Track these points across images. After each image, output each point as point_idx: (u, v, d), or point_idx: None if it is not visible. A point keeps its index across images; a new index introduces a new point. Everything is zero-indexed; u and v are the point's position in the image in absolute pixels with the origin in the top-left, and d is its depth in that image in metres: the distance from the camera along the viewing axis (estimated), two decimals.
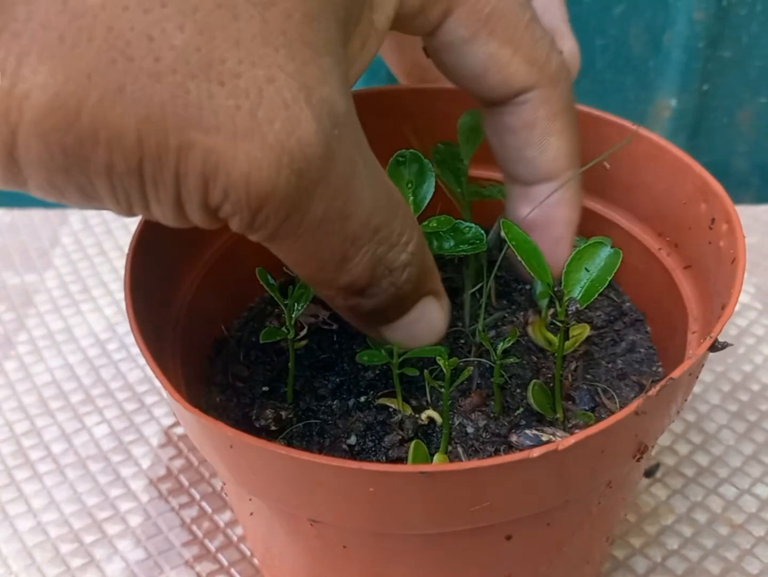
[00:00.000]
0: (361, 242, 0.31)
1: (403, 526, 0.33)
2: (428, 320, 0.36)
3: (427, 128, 0.47)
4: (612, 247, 0.44)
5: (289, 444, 0.40)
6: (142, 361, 0.63)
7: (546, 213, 0.39)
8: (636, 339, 0.45)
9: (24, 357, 0.64)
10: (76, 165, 0.26)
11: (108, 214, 0.77)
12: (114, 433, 0.59)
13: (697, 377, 0.36)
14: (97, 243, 0.74)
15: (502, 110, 0.37)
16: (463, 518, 0.32)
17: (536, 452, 0.30)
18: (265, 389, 0.43)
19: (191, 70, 0.25)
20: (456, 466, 0.30)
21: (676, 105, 0.70)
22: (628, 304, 0.46)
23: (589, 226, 0.47)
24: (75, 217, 0.77)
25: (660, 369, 0.43)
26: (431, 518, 0.32)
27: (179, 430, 0.59)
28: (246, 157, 0.26)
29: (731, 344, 0.35)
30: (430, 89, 0.47)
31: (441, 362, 0.36)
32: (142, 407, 0.61)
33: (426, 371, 0.38)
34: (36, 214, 0.77)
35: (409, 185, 0.40)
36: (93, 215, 0.77)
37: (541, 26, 0.36)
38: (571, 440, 0.30)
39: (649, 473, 0.55)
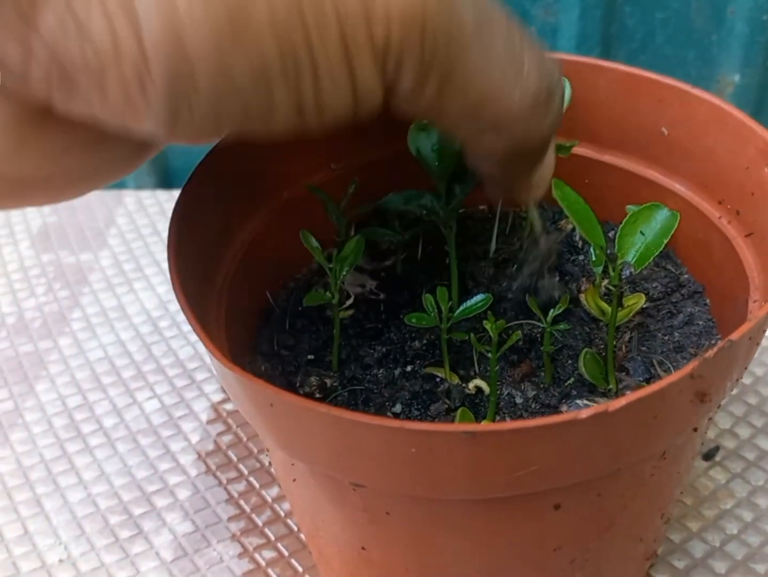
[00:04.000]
0: (520, 49, 0.30)
1: (446, 490, 0.32)
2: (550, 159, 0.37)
3: None
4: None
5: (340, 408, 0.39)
6: (193, 338, 0.64)
7: None
8: (694, 311, 0.43)
9: (78, 333, 0.65)
10: (242, 27, 0.24)
11: (162, 195, 0.78)
12: (164, 408, 0.59)
13: (759, 344, 0.35)
14: (150, 223, 0.75)
15: None
16: (508, 483, 0.31)
17: (584, 414, 0.28)
18: (310, 357, 0.43)
19: None
20: (500, 426, 0.29)
21: (740, 80, 0.68)
22: (686, 276, 0.45)
23: (646, 196, 0.45)
24: (130, 198, 0.78)
25: (719, 341, 0.42)
26: (475, 482, 0.31)
27: (228, 406, 0.59)
28: None
29: None
30: None
31: (488, 326, 0.35)
32: (192, 383, 0.61)
33: (472, 335, 0.37)
34: (92, 196, 0.77)
35: (434, 147, 0.39)
36: (147, 196, 0.78)
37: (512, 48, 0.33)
38: (622, 401, 0.29)
39: (708, 456, 0.53)
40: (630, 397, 0.29)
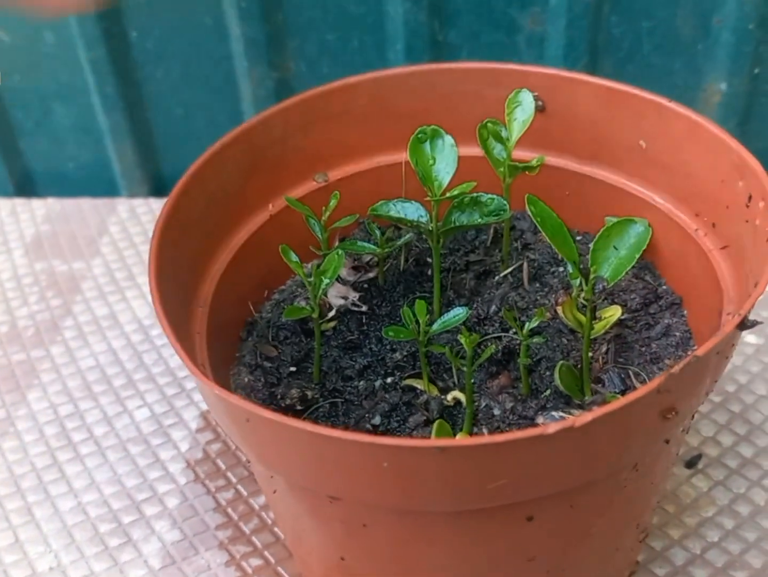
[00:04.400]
0: None
1: (420, 503, 0.32)
2: None
3: (458, 107, 0.46)
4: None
5: (314, 423, 0.40)
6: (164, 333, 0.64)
7: None
8: (671, 322, 0.43)
9: (70, 342, 0.66)
10: None
11: (154, 203, 0.78)
12: (154, 416, 0.60)
13: (728, 358, 0.35)
14: (143, 231, 0.75)
15: None
16: (480, 495, 0.32)
17: (552, 428, 0.29)
18: (292, 369, 0.43)
19: None
20: (471, 441, 0.30)
21: (726, 89, 0.68)
22: (664, 287, 0.45)
23: (625, 208, 0.46)
24: (123, 206, 0.78)
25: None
26: (448, 495, 0.32)
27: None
28: None
29: (761, 322, 0.34)
30: (459, 69, 0.47)
31: (463, 340, 0.36)
32: (182, 391, 0.62)
33: (447, 348, 0.38)
34: (85, 204, 0.79)
35: (431, 162, 0.39)
36: (140, 204, 0.78)
37: None
38: (588, 416, 0.29)
39: (691, 464, 0.54)
40: (597, 412, 0.30)
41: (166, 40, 0.72)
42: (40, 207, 0.79)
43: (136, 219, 0.77)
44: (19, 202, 0.80)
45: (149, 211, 0.78)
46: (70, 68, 0.73)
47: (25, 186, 0.82)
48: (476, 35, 0.68)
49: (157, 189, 0.81)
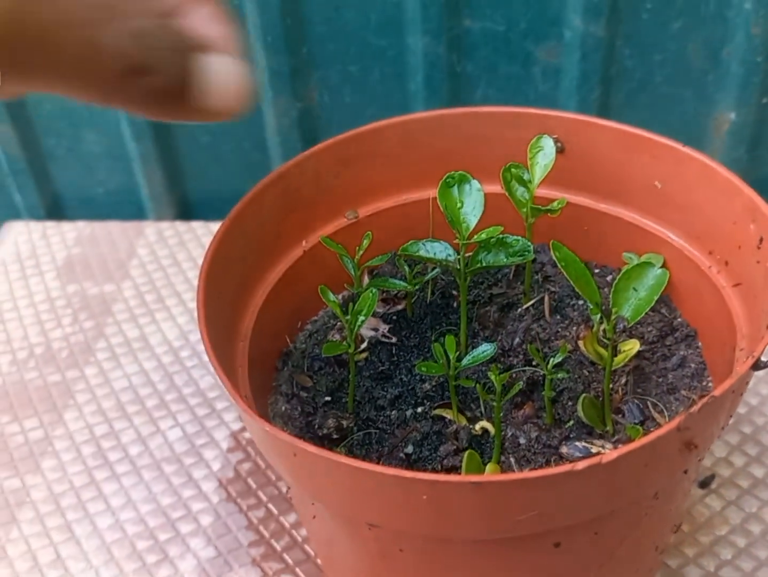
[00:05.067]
0: (99, 22, 0.32)
1: (455, 532, 0.35)
2: (219, 69, 0.34)
3: (481, 147, 0.49)
4: (663, 265, 0.45)
5: (350, 452, 0.43)
6: (212, 368, 0.67)
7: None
8: (687, 354, 0.46)
9: (103, 363, 0.68)
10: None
11: (181, 227, 0.81)
12: (186, 436, 0.62)
13: (742, 394, 0.37)
14: (170, 255, 0.78)
15: None
16: (512, 525, 0.34)
17: (580, 465, 0.31)
18: (327, 398, 0.46)
19: None
20: (504, 477, 0.32)
21: (735, 118, 0.70)
22: (679, 320, 0.48)
23: (641, 244, 0.49)
24: (150, 229, 0.81)
25: (710, 383, 0.44)
26: (482, 525, 0.34)
27: (247, 434, 0.62)
28: None
29: None
30: (483, 113, 0.49)
31: (492, 377, 0.38)
32: (213, 411, 0.64)
33: (478, 385, 0.40)
34: (114, 227, 0.81)
35: (459, 205, 0.42)
36: (167, 227, 0.81)
37: None
38: (614, 454, 0.32)
39: (704, 484, 0.56)
40: (622, 450, 0.32)
41: None
42: (70, 230, 0.82)
43: (163, 242, 0.79)
44: (50, 225, 0.82)
45: (176, 234, 0.80)
46: None
47: (56, 210, 0.85)
48: (494, 67, 0.70)
49: (184, 213, 0.84)
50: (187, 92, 0.35)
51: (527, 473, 0.32)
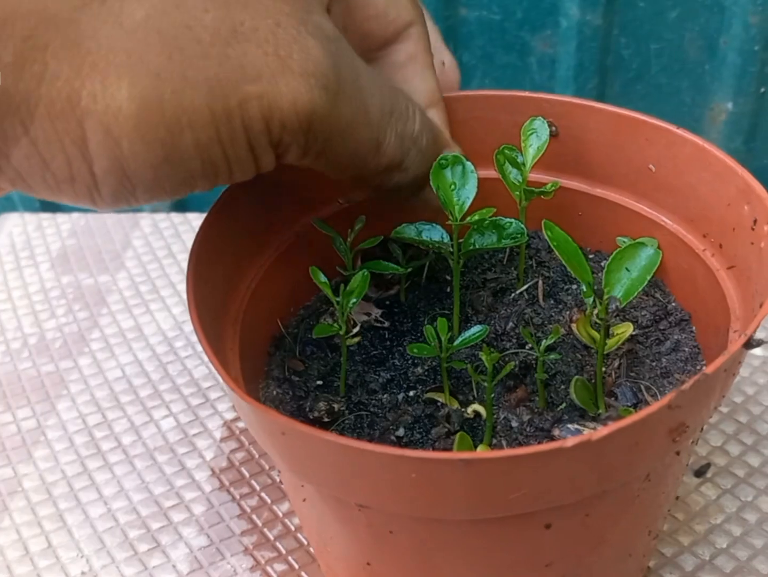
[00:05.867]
0: (384, 125, 0.38)
1: (445, 512, 0.35)
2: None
3: (476, 131, 0.49)
4: (658, 248, 0.45)
5: (341, 435, 0.42)
6: (206, 358, 0.66)
7: None
8: (681, 338, 0.45)
9: (97, 354, 0.68)
10: (173, 151, 0.32)
11: (176, 218, 0.81)
12: (180, 426, 0.62)
13: (735, 374, 0.37)
14: (165, 246, 0.78)
15: (393, 49, 0.43)
16: (501, 505, 0.34)
17: (570, 442, 0.31)
18: (319, 382, 0.45)
19: (224, 38, 0.31)
20: (493, 454, 0.32)
21: (733, 108, 0.70)
22: (673, 304, 0.47)
23: (635, 228, 0.48)
24: (145, 221, 0.81)
25: (704, 367, 0.44)
26: (471, 505, 0.34)
27: (241, 424, 0.62)
28: (287, 89, 0.33)
29: (766, 342, 0.36)
30: (478, 96, 0.49)
31: (483, 357, 0.38)
32: (207, 401, 0.64)
33: (469, 365, 0.40)
34: (109, 219, 0.81)
35: (452, 187, 0.42)
36: (162, 219, 0.81)
37: None
38: (604, 431, 0.31)
39: (700, 473, 0.56)
40: (611, 427, 0.32)
41: None
42: (65, 222, 0.81)
43: (158, 234, 0.79)
44: (45, 217, 0.82)
45: (171, 225, 0.80)
46: None
47: (51, 202, 0.85)
48: (490, 57, 0.70)
49: (179, 204, 0.84)
50: (420, 190, 0.43)
51: (516, 450, 0.31)
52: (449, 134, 0.46)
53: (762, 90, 0.69)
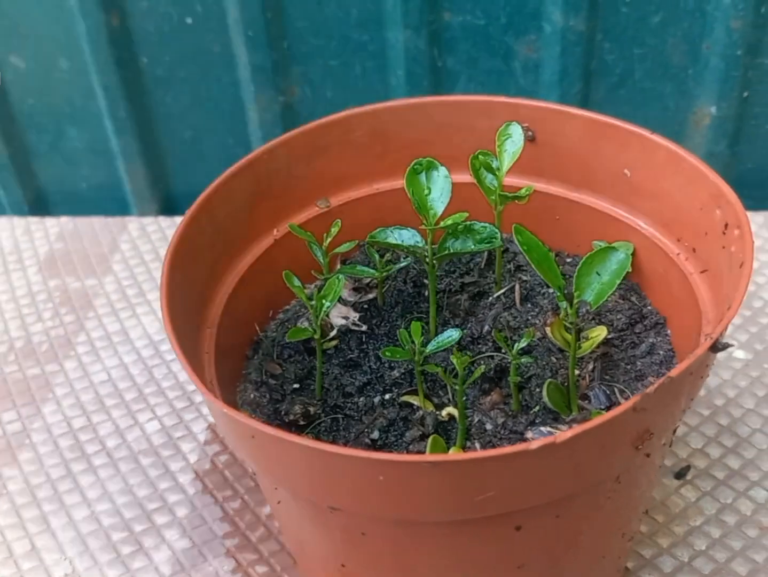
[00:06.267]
0: None
1: (414, 513, 0.35)
2: None
3: (453, 137, 0.49)
4: (633, 253, 0.46)
5: (317, 438, 0.43)
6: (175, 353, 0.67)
7: None
8: (656, 341, 0.46)
9: (82, 357, 0.68)
10: None
11: (164, 222, 0.81)
12: (164, 429, 0.62)
13: (703, 377, 0.37)
14: (153, 249, 0.78)
15: None
16: (470, 506, 0.34)
17: (535, 444, 0.31)
18: (296, 386, 0.46)
19: None
20: (460, 456, 0.32)
21: (716, 112, 0.70)
22: (649, 307, 0.48)
23: (611, 232, 0.49)
24: (133, 225, 0.81)
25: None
26: (440, 506, 0.34)
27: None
28: None
29: (732, 345, 0.36)
30: (454, 101, 0.49)
31: (455, 360, 0.38)
32: (191, 405, 0.64)
33: (441, 369, 0.40)
34: (97, 222, 0.81)
35: (426, 192, 0.42)
36: (150, 222, 0.81)
37: None
38: (569, 433, 0.32)
39: (680, 475, 0.56)
40: (576, 429, 0.32)
41: (175, 66, 0.74)
42: (53, 225, 0.82)
43: (146, 237, 0.80)
44: (33, 221, 0.82)
45: (159, 229, 0.80)
46: (84, 93, 0.76)
47: (39, 205, 0.85)
48: (474, 62, 0.70)
49: (167, 208, 0.84)
50: None
51: (483, 453, 0.31)
52: None
53: (745, 94, 0.70)
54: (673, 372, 0.33)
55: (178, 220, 0.80)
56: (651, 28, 0.68)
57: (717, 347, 0.35)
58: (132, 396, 0.65)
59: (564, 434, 0.32)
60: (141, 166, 0.80)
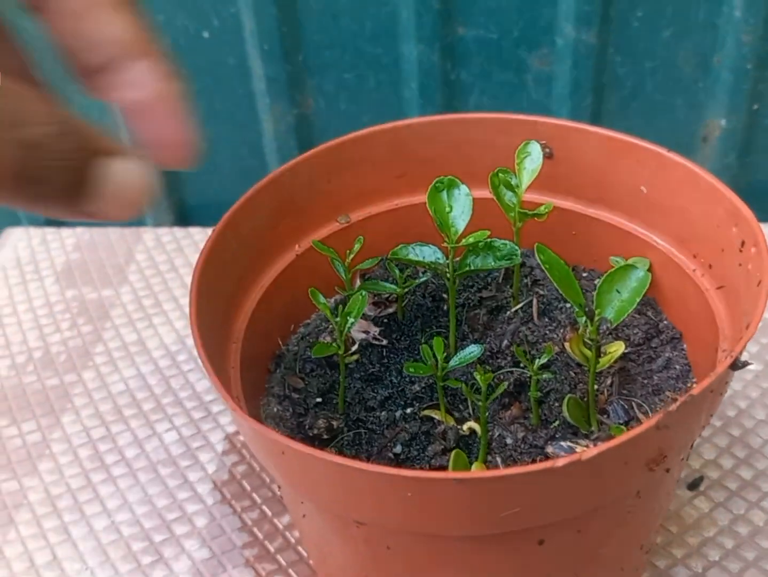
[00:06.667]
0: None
1: (439, 528, 0.36)
2: (118, 177, 0.32)
3: (471, 153, 0.50)
4: (649, 269, 0.46)
5: (340, 452, 0.43)
6: (204, 369, 0.67)
7: (144, 92, 0.35)
8: (672, 356, 0.46)
9: (101, 367, 0.69)
10: None
11: (179, 232, 0.82)
12: (182, 439, 0.63)
13: (722, 394, 0.38)
14: (168, 260, 0.79)
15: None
16: (495, 522, 0.35)
17: (560, 462, 0.32)
18: (318, 400, 0.46)
19: None
20: (486, 474, 0.33)
21: (726, 125, 0.71)
22: (665, 322, 0.48)
23: (628, 248, 0.49)
24: (148, 235, 0.82)
25: (694, 385, 0.45)
26: (465, 522, 0.35)
27: (242, 437, 0.63)
28: None
29: (751, 363, 0.37)
30: (472, 119, 0.50)
31: (478, 377, 0.39)
32: (209, 415, 0.65)
33: (464, 385, 0.41)
34: (113, 233, 0.82)
35: (448, 210, 0.43)
36: (165, 233, 0.82)
37: None
38: (594, 451, 0.32)
39: (693, 486, 0.57)
40: (601, 447, 0.33)
41: (191, 79, 0.75)
42: (69, 236, 0.82)
43: (161, 248, 0.80)
44: (50, 231, 0.83)
45: (174, 240, 0.81)
46: (100, 105, 0.77)
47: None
48: (487, 75, 0.71)
49: (182, 219, 0.85)
50: (78, 199, 0.33)
51: (508, 470, 0.32)
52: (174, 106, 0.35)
53: (755, 107, 0.71)
54: (695, 390, 0.34)
55: (193, 230, 0.81)
56: (662, 42, 0.69)
57: (737, 365, 0.36)
58: (150, 406, 0.66)
59: (589, 451, 0.32)
60: (156, 177, 0.81)
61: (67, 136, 0.31)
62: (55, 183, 0.32)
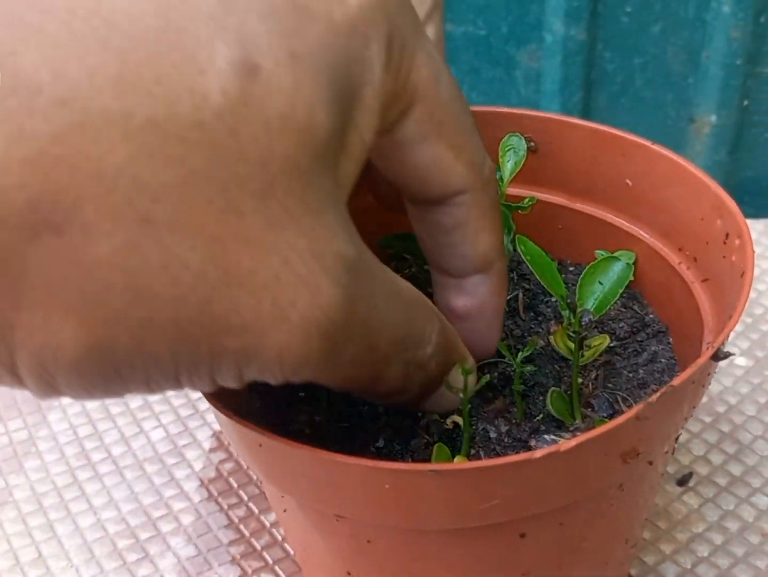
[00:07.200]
0: (389, 357, 0.32)
1: (419, 522, 0.35)
2: (459, 386, 0.38)
3: None
4: (635, 262, 0.46)
5: (322, 446, 0.43)
6: None
7: (479, 302, 0.40)
8: (658, 350, 0.46)
9: None
10: (115, 384, 0.27)
11: None
12: (169, 437, 0.63)
13: (705, 386, 0.38)
14: None
15: (436, 210, 0.37)
16: (475, 515, 0.34)
17: (538, 453, 0.32)
18: (301, 394, 0.46)
19: (211, 283, 0.25)
20: (463, 465, 0.32)
21: (716, 121, 0.71)
22: (651, 316, 0.48)
23: (613, 241, 0.49)
24: None
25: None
26: (445, 515, 0.34)
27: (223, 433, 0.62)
28: (276, 344, 0.27)
29: (733, 354, 0.37)
30: None
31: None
32: (196, 412, 0.64)
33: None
34: None
35: None
36: None
37: (477, 133, 0.37)
38: (572, 442, 0.32)
39: (682, 482, 0.56)
40: (580, 438, 0.32)
41: None
42: None
43: None
44: None
45: None
46: None
47: None
48: (476, 71, 0.71)
49: None
50: (420, 402, 0.38)
51: (486, 461, 0.32)
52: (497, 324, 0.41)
53: (745, 103, 0.70)
54: (676, 381, 0.34)
55: None
56: (651, 38, 0.69)
57: (718, 355, 0.35)
58: (137, 404, 0.65)
59: (568, 442, 0.32)
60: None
61: (440, 355, 0.36)
62: (411, 393, 0.36)
